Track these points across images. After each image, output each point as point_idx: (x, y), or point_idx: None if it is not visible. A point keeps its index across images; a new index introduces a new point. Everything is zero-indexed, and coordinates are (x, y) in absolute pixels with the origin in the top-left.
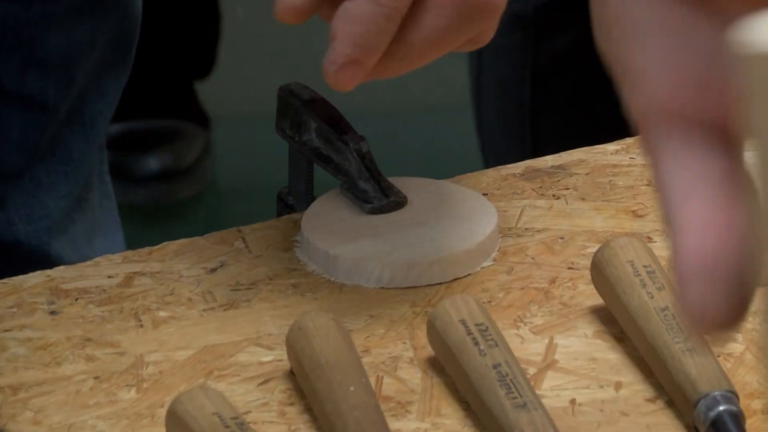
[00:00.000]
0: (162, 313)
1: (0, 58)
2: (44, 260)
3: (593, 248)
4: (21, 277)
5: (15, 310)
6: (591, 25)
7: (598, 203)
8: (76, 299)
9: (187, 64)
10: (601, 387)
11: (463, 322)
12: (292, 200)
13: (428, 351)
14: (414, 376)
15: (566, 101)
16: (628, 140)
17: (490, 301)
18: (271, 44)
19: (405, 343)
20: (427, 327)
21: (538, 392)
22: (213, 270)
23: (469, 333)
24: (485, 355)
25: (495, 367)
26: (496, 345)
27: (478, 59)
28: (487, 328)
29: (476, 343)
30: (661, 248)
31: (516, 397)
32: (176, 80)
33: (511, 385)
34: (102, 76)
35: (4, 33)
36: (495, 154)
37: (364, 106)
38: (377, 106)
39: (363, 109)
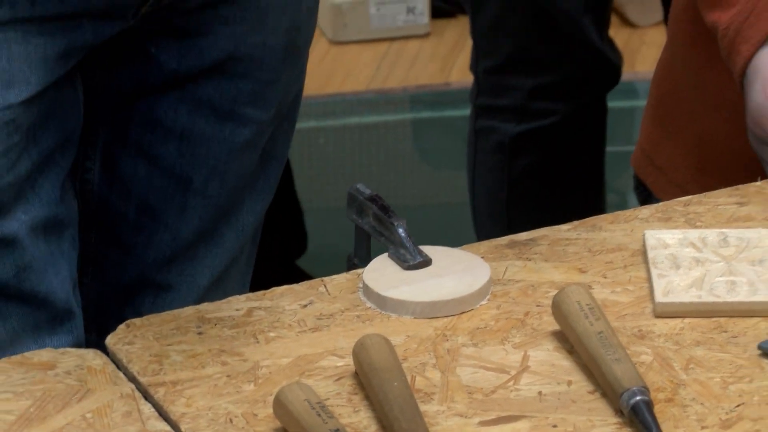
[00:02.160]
0: (272, 334)
1: (193, 168)
2: None
3: (553, 293)
4: (178, 310)
5: (175, 331)
6: (546, 149)
7: (556, 263)
8: (215, 324)
9: (284, 246)
10: (558, 383)
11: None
12: (357, 261)
13: (446, 360)
14: (435, 376)
15: (532, 198)
16: (575, 222)
17: (485, 327)
18: (342, 160)
19: (430, 353)
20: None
21: (516, 386)
22: (305, 306)
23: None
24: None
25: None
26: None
27: (473, 171)
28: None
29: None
30: (597, 293)
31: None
32: (278, 261)
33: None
34: (252, 192)
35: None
36: (484, 233)
37: (404, 201)
38: (413, 202)
39: (403, 203)
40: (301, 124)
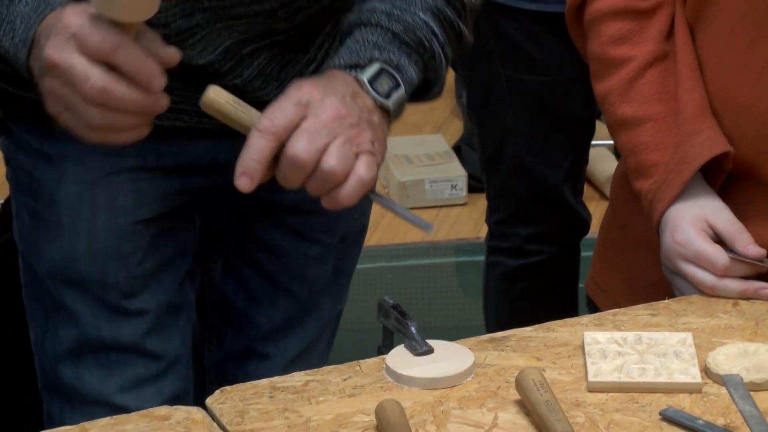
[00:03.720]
0: (321, 398)
1: (281, 273)
2: None
3: (516, 373)
4: (256, 381)
5: (254, 395)
6: (537, 278)
7: (521, 353)
8: (282, 391)
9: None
10: None
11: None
12: (383, 349)
13: (440, 418)
14: (432, 429)
15: (526, 314)
16: (536, 325)
17: (469, 396)
18: (404, 291)
19: (429, 414)
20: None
21: None
22: (345, 379)
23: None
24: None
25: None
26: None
27: (486, 294)
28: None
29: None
30: (548, 374)
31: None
32: None
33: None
34: (327, 296)
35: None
36: None
37: (445, 322)
38: (452, 323)
39: (442, 324)
40: (375, 264)
